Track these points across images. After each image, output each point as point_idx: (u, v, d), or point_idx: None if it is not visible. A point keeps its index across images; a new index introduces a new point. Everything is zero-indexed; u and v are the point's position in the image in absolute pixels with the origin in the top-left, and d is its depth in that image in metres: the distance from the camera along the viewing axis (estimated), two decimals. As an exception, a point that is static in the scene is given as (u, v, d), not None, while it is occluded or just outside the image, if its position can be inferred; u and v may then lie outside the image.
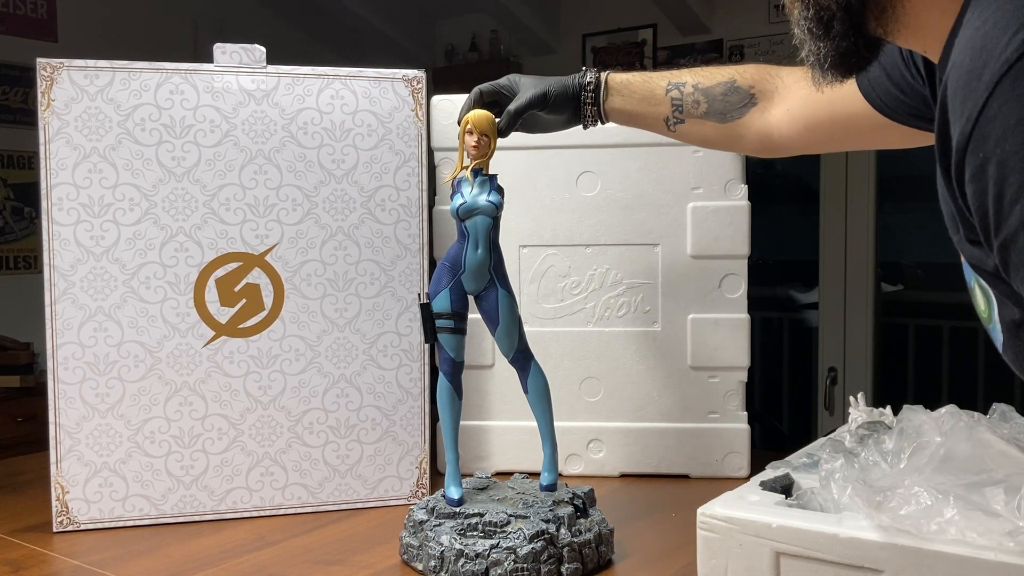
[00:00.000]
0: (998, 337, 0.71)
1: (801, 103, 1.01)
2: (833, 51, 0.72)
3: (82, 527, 1.12)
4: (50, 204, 1.10)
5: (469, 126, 1.01)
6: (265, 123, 1.16)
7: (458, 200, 1.01)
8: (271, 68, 1.17)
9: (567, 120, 1.10)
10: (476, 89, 1.06)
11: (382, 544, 1.07)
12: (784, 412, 4.28)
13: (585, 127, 1.10)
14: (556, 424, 1.05)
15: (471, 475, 1.09)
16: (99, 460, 1.12)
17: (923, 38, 0.70)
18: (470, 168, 1.02)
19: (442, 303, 1.02)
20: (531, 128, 1.11)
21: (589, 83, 1.07)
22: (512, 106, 1.04)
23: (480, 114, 1.02)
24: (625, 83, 1.08)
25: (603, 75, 1.08)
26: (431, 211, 1.30)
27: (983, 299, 0.73)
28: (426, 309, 1.02)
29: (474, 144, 1.01)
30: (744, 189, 1.32)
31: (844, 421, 1.04)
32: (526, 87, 1.06)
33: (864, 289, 3.90)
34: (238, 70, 1.15)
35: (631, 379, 1.34)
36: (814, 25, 0.71)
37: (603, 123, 1.10)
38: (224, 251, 1.15)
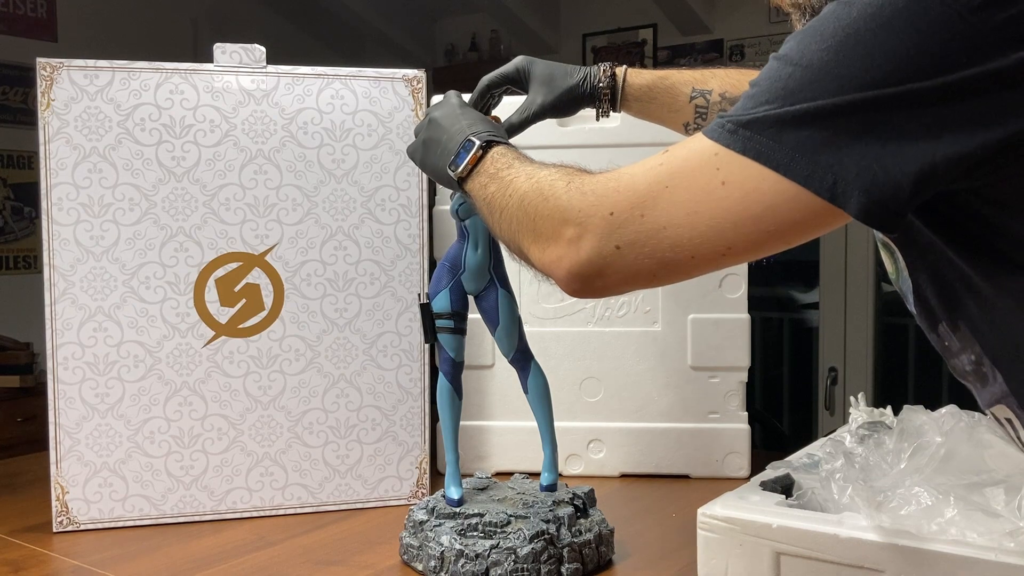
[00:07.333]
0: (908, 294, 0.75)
1: None
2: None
3: (82, 527, 1.12)
4: (50, 204, 1.10)
5: None
6: (265, 123, 1.16)
7: (458, 200, 1.01)
8: (271, 68, 1.16)
9: (576, 113, 1.04)
10: (483, 81, 1.01)
11: (382, 544, 1.07)
12: (784, 412, 4.27)
13: (597, 119, 1.05)
14: (556, 424, 1.04)
15: (471, 475, 1.09)
16: (99, 460, 1.12)
17: None
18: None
19: (442, 303, 1.02)
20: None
21: (605, 90, 1.01)
22: (515, 118, 0.99)
23: None
24: (645, 89, 1.03)
25: (620, 74, 1.01)
26: (431, 211, 1.30)
27: (889, 259, 0.75)
28: (426, 309, 1.02)
29: None
30: (744, 189, 1.32)
31: (844, 421, 1.03)
32: (535, 88, 0.99)
33: (864, 289, 3.90)
34: (238, 70, 1.15)
35: (631, 379, 1.34)
36: None
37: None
38: (224, 251, 1.15)
